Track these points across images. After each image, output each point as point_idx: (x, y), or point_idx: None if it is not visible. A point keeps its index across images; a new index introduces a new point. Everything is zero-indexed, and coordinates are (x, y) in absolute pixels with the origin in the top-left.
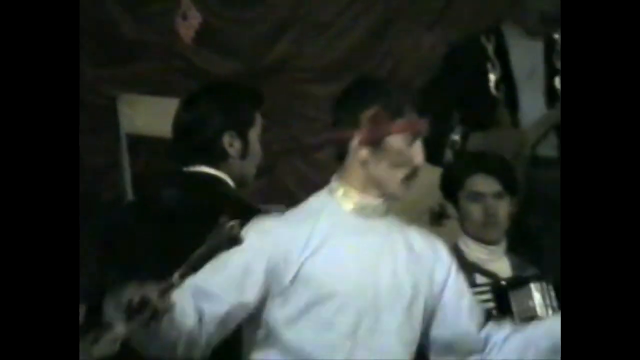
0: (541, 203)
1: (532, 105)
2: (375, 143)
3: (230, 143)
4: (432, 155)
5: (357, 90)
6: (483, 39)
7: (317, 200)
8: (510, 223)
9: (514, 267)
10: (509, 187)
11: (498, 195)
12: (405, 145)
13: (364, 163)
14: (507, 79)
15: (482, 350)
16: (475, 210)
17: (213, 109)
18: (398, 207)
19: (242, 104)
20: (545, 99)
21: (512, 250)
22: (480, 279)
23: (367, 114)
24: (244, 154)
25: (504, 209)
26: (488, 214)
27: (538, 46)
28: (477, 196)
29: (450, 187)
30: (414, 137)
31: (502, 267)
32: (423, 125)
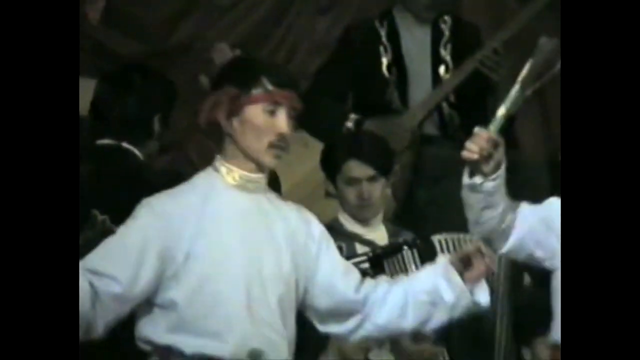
0: (426, 176)
1: (420, 86)
2: (233, 115)
3: (157, 125)
4: (327, 134)
5: (223, 70)
6: (376, 24)
7: (203, 178)
8: (399, 195)
9: (390, 234)
10: (383, 169)
11: (372, 179)
12: (266, 114)
13: (233, 136)
14: (398, 62)
15: (362, 310)
16: (350, 194)
17: (149, 91)
18: (296, 179)
19: (171, 89)
20: (432, 80)
21: (398, 219)
22: (360, 248)
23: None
24: (160, 135)
25: (378, 190)
26: (362, 197)
27: (426, 33)
28: (352, 181)
29: (330, 171)
30: (276, 106)
31: (380, 235)
32: (284, 96)
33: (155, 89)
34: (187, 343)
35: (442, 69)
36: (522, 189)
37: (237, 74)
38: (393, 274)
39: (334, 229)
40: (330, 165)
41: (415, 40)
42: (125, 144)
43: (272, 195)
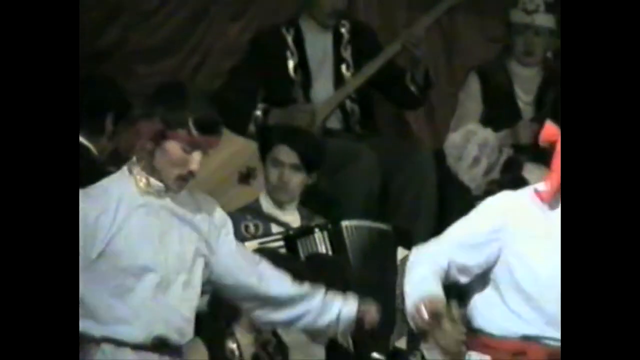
0: (328, 166)
1: (323, 87)
2: (155, 141)
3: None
4: (239, 126)
5: (155, 97)
6: (283, 30)
7: (116, 182)
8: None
9: (303, 217)
10: (309, 162)
11: (295, 167)
12: (183, 151)
13: (149, 153)
14: (303, 65)
15: (292, 306)
16: (273, 174)
17: (109, 91)
18: (213, 166)
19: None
20: (334, 81)
21: (306, 203)
22: (275, 228)
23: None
24: (112, 135)
25: (297, 179)
26: (282, 180)
27: (328, 38)
28: (277, 163)
29: (263, 150)
30: (194, 148)
31: (294, 218)
32: (205, 140)
33: (104, 89)
34: (97, 329)
35: (343, 68)
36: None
37: (167, 107)
38: (304, 252)
39: (254, 209)
40: (264, 145)
41: (319, 44)
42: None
43: (181, 196)
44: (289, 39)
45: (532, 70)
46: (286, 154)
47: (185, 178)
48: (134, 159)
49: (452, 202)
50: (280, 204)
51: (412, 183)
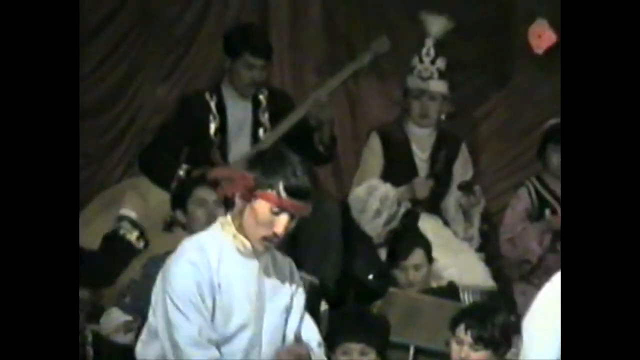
0: None
1: (240, 149)
2: (245, 197)
3: None
4: (162, 181)
5: (258, 157)
6: (207, 96)
7: (213, 238)
8: None
9: None
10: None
11: (217, 204)
12: (270, 212)
13: (240, 212)
14: (223, 128)
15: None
16: (200, 212)
17: None
18: (141, 216)
19: None
20: (251, 144)
21: None
22: None
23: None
24: None
25: (222, 212)
26: (210, 214)
27: (248, 104)
28: (202, 202)
29: (181, 197)
30: (282, 210)
31: None
32: (292, 205)
33: None
34: None
35: (261, 131)
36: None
37: (263, 165)
38: None
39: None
40: (183, 193)
41: (239, 110)
42: None
43: (267, 256)
44: (212, 104)
45: (427, 130)
46: (208, 192)
47: (270, 239)
48: (228, 218)
49: (356, 249)
50: None
51: (319, 231)
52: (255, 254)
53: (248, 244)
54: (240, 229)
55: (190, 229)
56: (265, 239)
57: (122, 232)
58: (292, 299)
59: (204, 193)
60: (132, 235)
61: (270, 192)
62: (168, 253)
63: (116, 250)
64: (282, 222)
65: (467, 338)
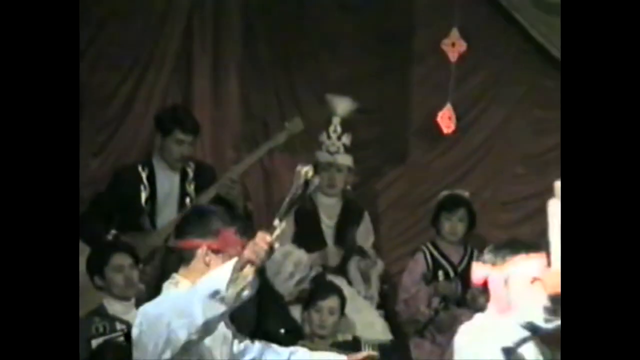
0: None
1: (168, 214)
2: (220, 252)
3: None
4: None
5: (205, 212)
6: (139, 168)
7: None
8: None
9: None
10: (137, 258)
11: (132, 266)
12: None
13: (208, 264)
14: (153, 197)
15: None
16: (118, 278)
17: None
18: None
19: None
20: (177, 211)
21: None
22: (119, 325)
23: (221, 231)
24: None
25: (136, 274)
26: (128, 279)
27: (176, 176)
28: (119, 267)
29: (98, 265)
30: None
31: (133, 316)
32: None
33: None
34: None
35: (187, 200)
36: None
37: (239, 222)
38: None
39: (99, 313)
40: (99, 260)
41: (168, 181)
42: None
43: None
44: (144, 175)
45: (333, 200)
46: (124, 258)
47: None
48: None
49: (268, 306)
50: (124, 303)
51: None
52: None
53: None
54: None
55: (110, 292)
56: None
57: None
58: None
59: (120, 259)
60: None
61: (248, 241)
62: (91, 313)
63: None
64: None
65: None
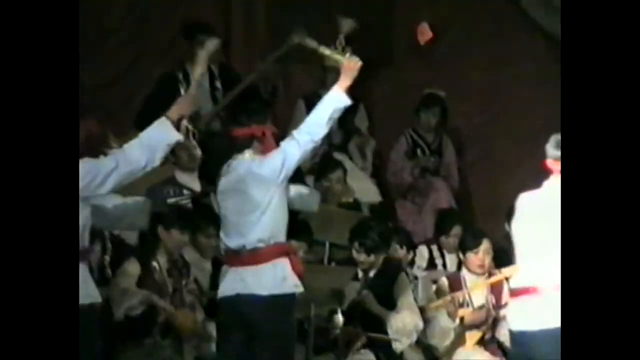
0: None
1: (203, 105)
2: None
3: None
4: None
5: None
6: (177, 72)
7: None
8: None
9: (202, 185)
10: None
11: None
12: None
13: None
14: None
15: None
16: (184, 157)
17: None
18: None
19: None
20: (210, 99)
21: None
22: (185, 191)
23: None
24: None
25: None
26: (192, 157)
27: (205, 75)
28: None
29: None
30: None
31: (196, 184)
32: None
33: None
34: None
35: (217, 94)
36: None
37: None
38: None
39: (172, 181)
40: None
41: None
42: None
43: None
44: (180, 76)
45: None
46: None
47: None
48: None
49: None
50: (189, 174)
51: None
52: None
53: None
54: None
55: (178, 165)
56: None
57: None
58: None
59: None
60: None
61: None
62: (165, 181)
63: None
64: None
65: (356, 246)
